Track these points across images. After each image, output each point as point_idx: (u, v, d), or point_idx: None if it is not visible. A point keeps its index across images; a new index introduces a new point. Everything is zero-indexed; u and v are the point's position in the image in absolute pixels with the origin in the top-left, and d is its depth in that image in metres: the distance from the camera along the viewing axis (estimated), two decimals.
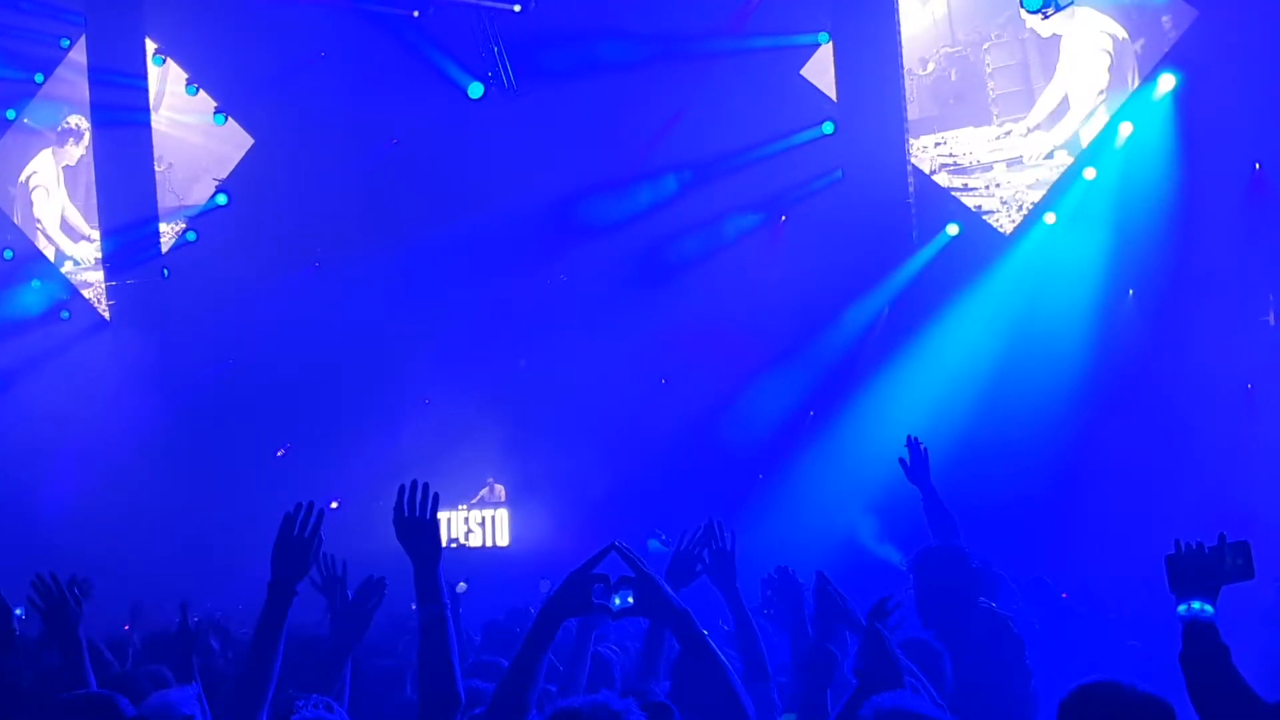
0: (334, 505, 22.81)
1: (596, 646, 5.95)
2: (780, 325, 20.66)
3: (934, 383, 20.46)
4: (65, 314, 25.69)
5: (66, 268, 26.61)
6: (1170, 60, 21.01)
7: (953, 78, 22.34)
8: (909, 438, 6.83)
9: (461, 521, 21.70)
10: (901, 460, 6.72)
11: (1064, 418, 19.01)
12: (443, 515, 18.93)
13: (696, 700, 3.85)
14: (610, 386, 22.80)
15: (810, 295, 20.65)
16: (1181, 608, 4.53)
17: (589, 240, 22.31)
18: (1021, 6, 19.16)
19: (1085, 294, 20.61)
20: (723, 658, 3.69)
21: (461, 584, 8.74)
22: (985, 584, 6.56)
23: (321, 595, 6.41)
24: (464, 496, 22.14)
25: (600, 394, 22.95)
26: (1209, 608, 4.50)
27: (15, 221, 26.84)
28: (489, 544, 21.36)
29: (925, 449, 6.80)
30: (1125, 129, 20.74)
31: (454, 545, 21.32)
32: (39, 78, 26.41)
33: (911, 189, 21.34)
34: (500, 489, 22.18)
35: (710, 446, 21.72)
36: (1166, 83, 20.56)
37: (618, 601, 3.74)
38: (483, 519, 21.73)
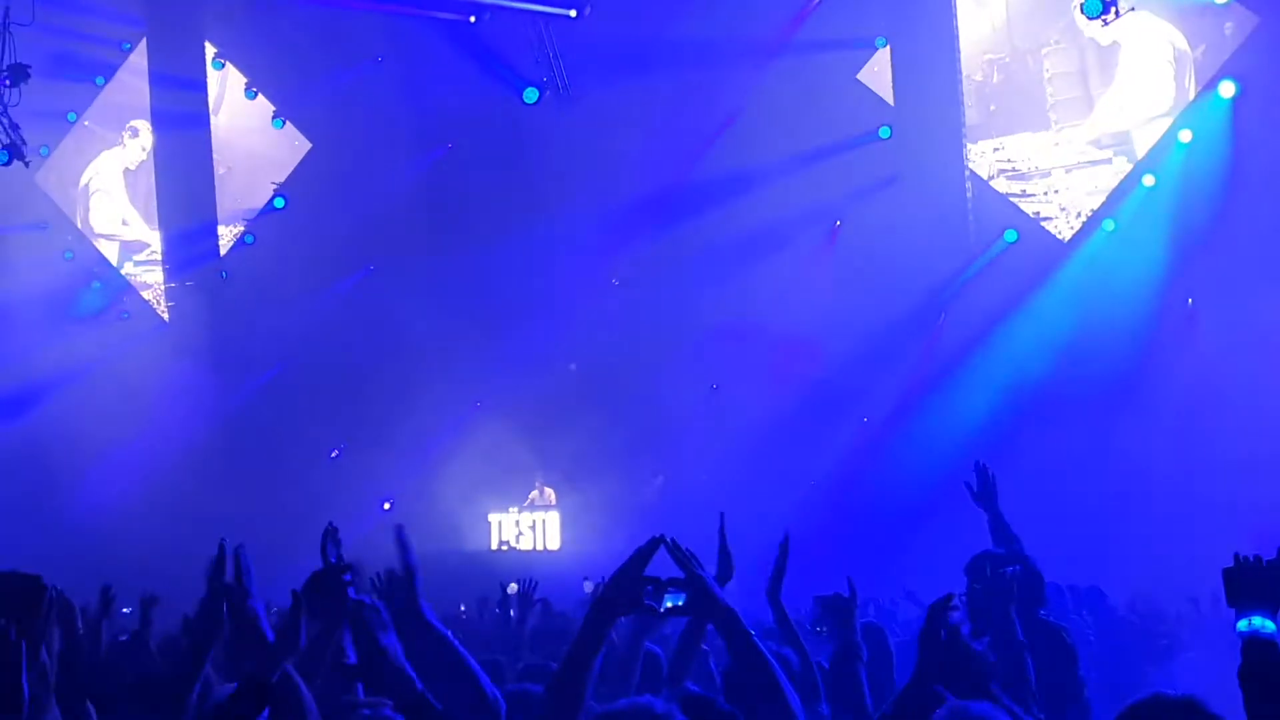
0: (386, 506, 22.95)
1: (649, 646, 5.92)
2: (836, 330, 20.54)
3: (991, 387, 20.34)
4: (125, 314, 25.95)
5: (126, 269, 26.87)
6: (1230, 67, 20.81)
7: (1011, 83, 22.20)
8: (976, 463, 6.71)
9: (512, 524, 21.72)
10: (967, 484, 6.61)
11: (1121, 424, 18.84)
12: (494, 518, 18.85)
13: (747, 702, 3.80)
14: (662, 390, 22.78)
15: (867, 300, 20.53)
16: (1242, 624, 4.41)
17: (643, 244, 22.30)
18: (1081, 12, 18.98)
19: (1144, 300, 20.44)
20: (772, 658, 3.64)
21: (512, 585, 8.72)
22: (1043, 596, 6.47)
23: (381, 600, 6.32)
24: (515, 499, 22.17)
25: (652, 398, 22.92)
26: (1270, 624, 4.38)
27: (76, 223, 27.13)
28: (539, 547, 21.37)
29: (993, 474, 6.67)
30: (1184, 136, 20.56)
31: (504, 548, 21.36)
32: (100, 80, 26.70)
33: (969, 194, 21.20)
34: (550, 492, 22.21)
35: (762, 450, 21.66)
36: (1226, 90, 20.37)
37: (669, 604, 3.69)
38: (533, 522, 21.74)
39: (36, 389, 23.47)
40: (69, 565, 16.28)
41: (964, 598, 5.93)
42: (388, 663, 3.82)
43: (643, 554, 3.62)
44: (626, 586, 3.61)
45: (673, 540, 3.69)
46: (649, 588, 3.61)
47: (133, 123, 26.68)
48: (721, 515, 5.44)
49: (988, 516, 6.67)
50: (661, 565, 3.73)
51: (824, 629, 6.31)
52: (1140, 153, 21.09)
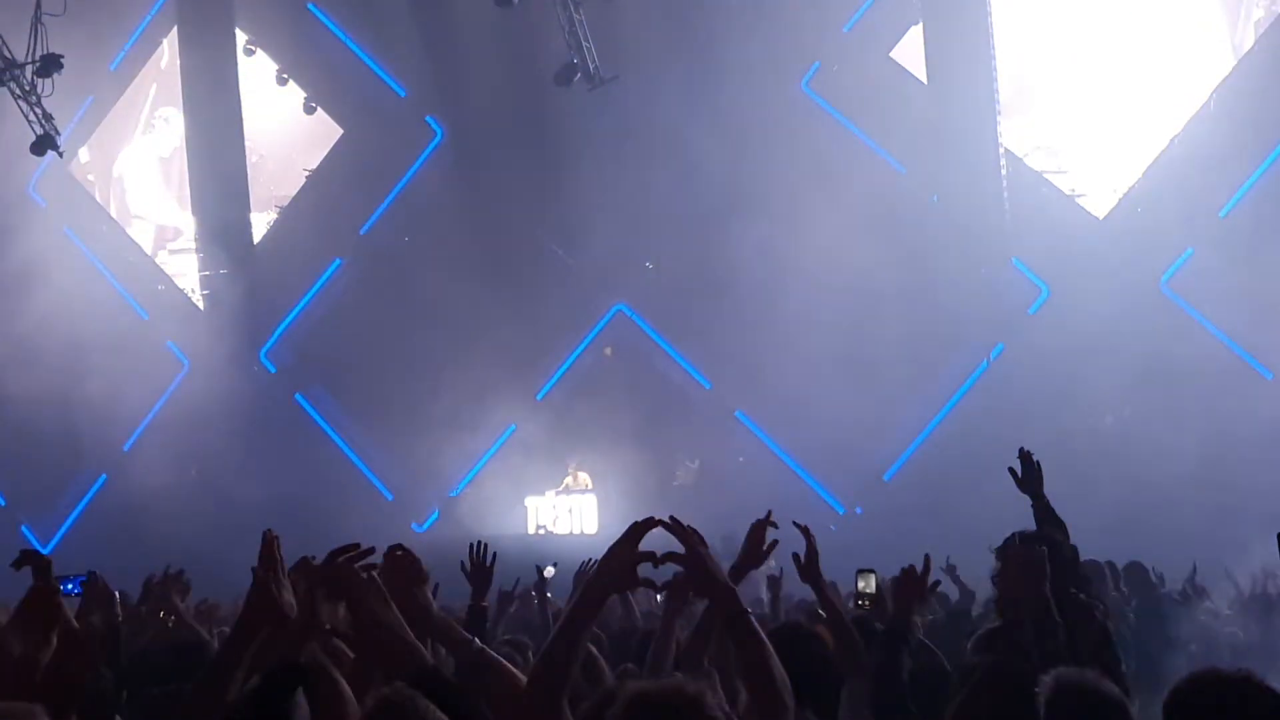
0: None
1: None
2: (875, 313, 20.41)
3: (1029, 367, 20.27)
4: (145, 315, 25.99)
5: (160, 257, 27.00)
6: (1265, 39, 20.68)
7: (1044, 59, 22.09)
8: (1020, 450, 6.69)
9: (549, 508, 21.75)
10: (1011, 470, 6.58)
11: (1155, 401, 18.74)
12: (530, 502, 18.79)
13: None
14: (700, 374, 22.79)
15: (904, 281, 20.42)
16: None
17: (676, 225, 22.24)
18: None
19: (1181, 275, 20.37)
20: (766, 640, 3.60)
21: (550, 567, 8.73)
22: (1075, 574, 6.43)
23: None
24: (551, 483, 22.19)
25: (687, 382, 22.92)
26: None
27: (111, 213, 27.26)
28: (576, 531, 21.38)
29: (1038, 461, 6.65)
30: (1220, 107, 20.44)
31: (541, 532, 21.38)
32: (132, 70, 26.83)
33: (1004, 171, 21.05)
34: (583, 476, 22.19)
35: (800, 432, 21.66)
36: (1262, 61, 20.25)
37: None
38: (570, 506, 21.76)
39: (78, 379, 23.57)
40: (115, 551, 16.47)
41: (995, 578, 5.92)
42: (395, 638, 3.80)
43: (637, 530, 3.58)
44: (621, 562, 3.58)
45: (671, 517, 3.65)
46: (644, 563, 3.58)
47: (164, 111, 26.81)
48: (769, 513, 5.36)
49: (1032, 503, 6.64)
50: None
51: (865, 603, 6.30)
52: (1177, 126, 20.94)
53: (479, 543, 6.14)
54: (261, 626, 3.85)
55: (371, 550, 3.89)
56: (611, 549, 3.57)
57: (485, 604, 6.21)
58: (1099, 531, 8.91)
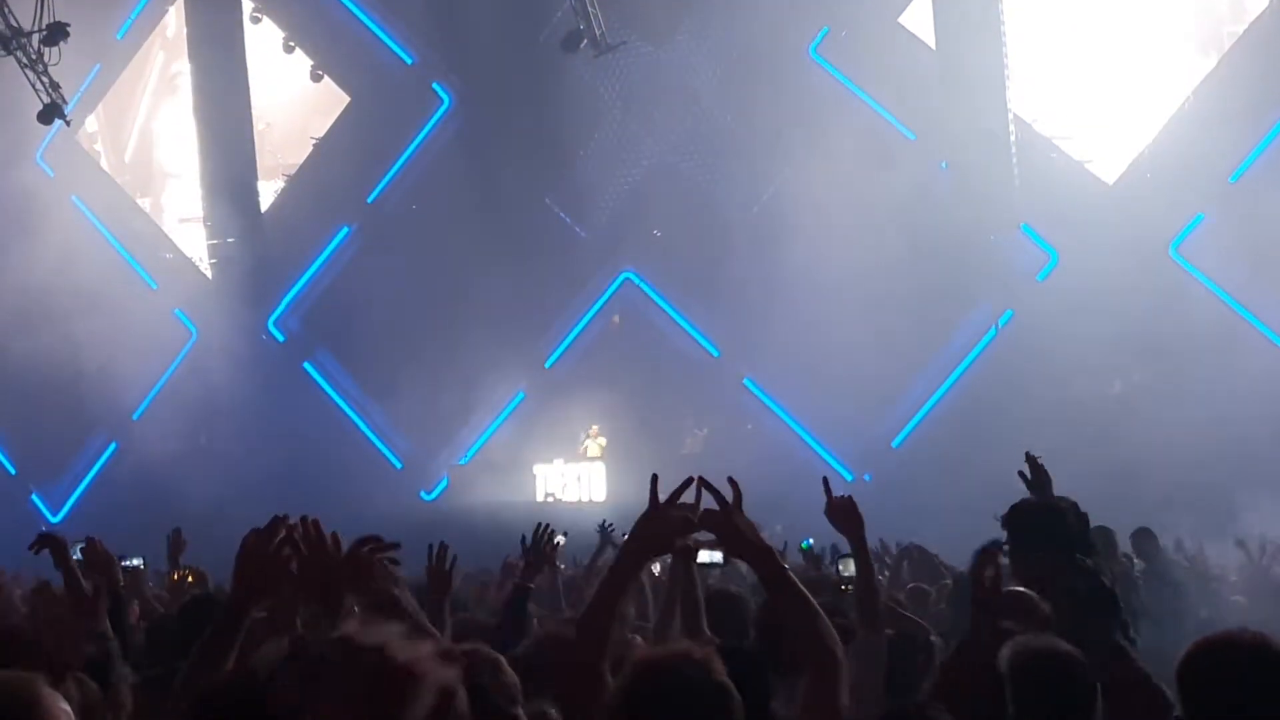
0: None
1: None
2: (880, 278, 20.35)
3: (1038, 333, 20.22)
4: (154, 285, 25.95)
5: (168, 227, 26.97)
6: (1276, 2, 20.54)
7: (1054, 25, 21.96)
8: (1027, 454, 6.70)
9: (558, 475, 21.75)
10: (1020, 473, 6.58)
11: (1169, 370, 18.71)
12: (538, 469, 18.76)
13: (786, 645, 3.72)
14: (707, 343, 22.75)
15: (912, 247, 20.35)
16: None
17: (685, 191, 22.19)
18: None
19: (1190, 241, 20.29)
20: (810, 597, 3.56)
21: (560, 536, 8.73)
22: (1082, 541, 6.43)
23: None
24: (560, 451, 22.20)
25: (695, 349, 22.89)
26: None
27: (119, 182, 27.23)
28: (584, 499, 21.40)
29: (1042, 461, 6.66)
30: (1229, 71, 20.33)
31: (550, 499, 21.41)
32: (139, 38, 26.76)
33: (1013, 137, 20.94)
34: (602, 440, 22.18)
35: (810, 403, 21.64)
36: (1272, 25, 20.13)
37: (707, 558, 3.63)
38: (579, 474, 21.78)
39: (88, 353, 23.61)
40: (125, 519, 16.49)
41: (1000, 546, 5.92)
42: (406, 614, 3.78)
43: (673, 495, 3.54)
44: (660, 526, 3.54)
45: (699, 477, 3.61)
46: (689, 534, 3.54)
47: (173, 80, 26.73)
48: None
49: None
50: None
51: (848, 588, 6.27)
52: (1186, 91, 20.83)
53: (545, 524, 6.20)
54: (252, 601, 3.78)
55: (397, 545, 3.85)
56: (651, 512, 3.53)
57: (531, 585, 6.21)
58: (1107, 496, 8.90)
